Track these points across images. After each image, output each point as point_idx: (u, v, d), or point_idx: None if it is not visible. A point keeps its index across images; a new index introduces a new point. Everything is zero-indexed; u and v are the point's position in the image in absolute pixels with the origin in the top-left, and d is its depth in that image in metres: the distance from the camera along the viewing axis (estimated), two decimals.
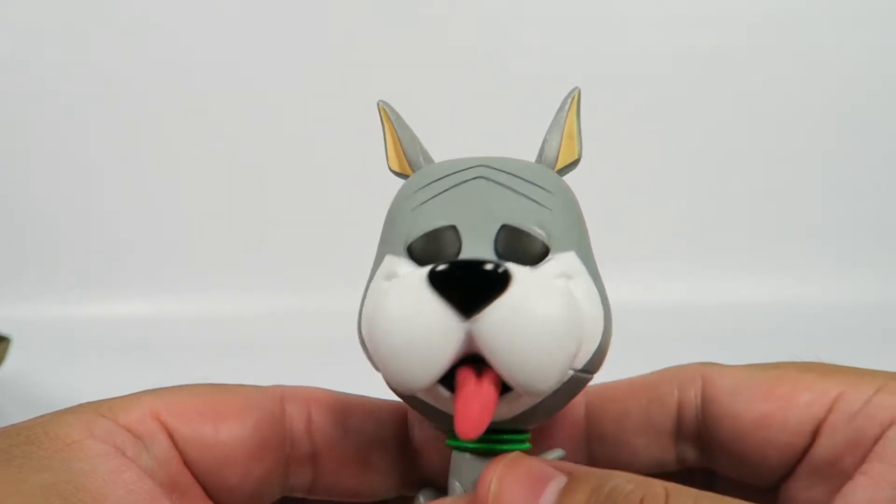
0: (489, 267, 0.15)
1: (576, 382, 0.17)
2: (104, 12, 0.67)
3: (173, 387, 0.19)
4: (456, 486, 0.17)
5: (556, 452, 0.18)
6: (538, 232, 0.16)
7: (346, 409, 0.20)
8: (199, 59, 0.68)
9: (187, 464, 0.18)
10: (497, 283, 0.15)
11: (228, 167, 0.69)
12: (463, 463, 0.18)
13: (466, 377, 0.15)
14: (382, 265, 0.17)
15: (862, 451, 0.17)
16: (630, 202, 0.68)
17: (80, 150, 0.69)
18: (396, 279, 0.16)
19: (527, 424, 0.18)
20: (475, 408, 0.15)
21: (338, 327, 0.64)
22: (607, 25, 0.68)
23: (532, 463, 0.16)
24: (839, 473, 0.17)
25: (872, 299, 0.64)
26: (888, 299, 0.64)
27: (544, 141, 0.19)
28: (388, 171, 0.20)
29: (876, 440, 0.16)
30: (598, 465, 0.20)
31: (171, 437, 0.18)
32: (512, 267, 0.15)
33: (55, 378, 0.52)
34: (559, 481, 0.16)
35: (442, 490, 0.18)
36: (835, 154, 0.70)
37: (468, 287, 0.15)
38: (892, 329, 0.59)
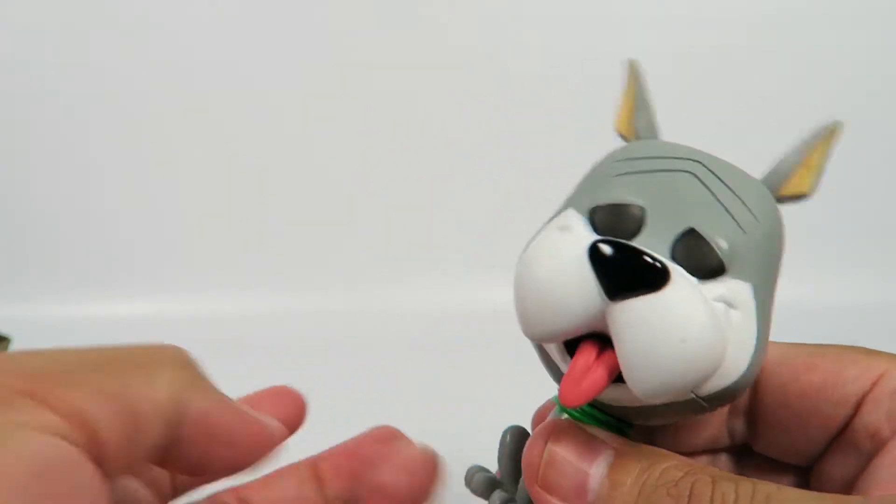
0: (650, 260, 0.14)
1: (693, 406, 0.16)
2: (104, 12, 0.67)
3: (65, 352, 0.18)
4: None
5: None
6: (721, 247, 0.16)
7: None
8: (200, 58, 0.68)
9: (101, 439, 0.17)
10: (651, 280, 0.14)
11: (229, 167, 0.69)
12: (545, 423, 0.18)
13: (586, 351, 0.15)
14: (562, 215, 0.17)
15: None
16: None
17: (80, 151, 0.69)
18: (567, 233, 0.16)
19: (635, 420, 0.18)
20: (582, 384, 0.15)
21: (338, 327, 0.64)
22: (607, 25, 0.68)
23: (584, 433, 0.16)
24: (876, 446, 0.17)
25: (872, 299, 0.64)
26: (888, 299, 0.64)
27: (781, 160, 0.18)
28: (614, 131, 0.19)
29: None
30: (658, 441, 0.21)
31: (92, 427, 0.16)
32: (676, 271, 0.15)
33: None
34: (608, 454, 0.16)
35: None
36: (835, 153, 0.70)
37: (621, 273, 0.14)
38: (893, 329, 0.59)
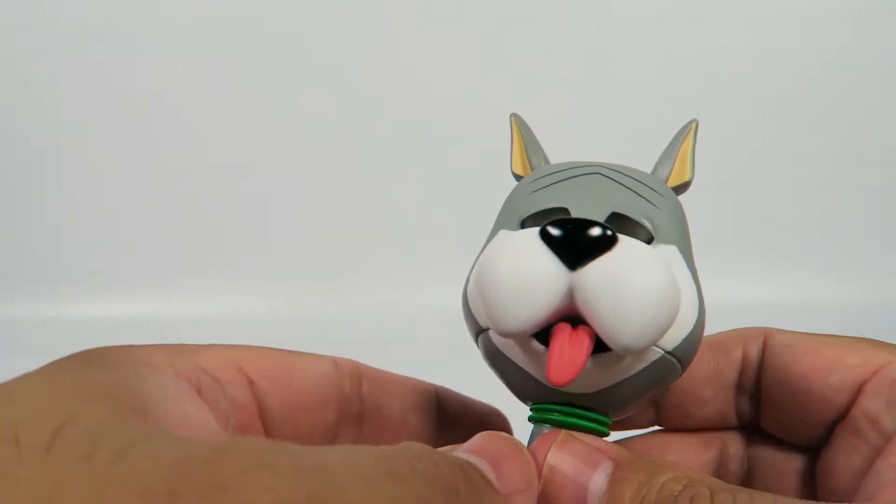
0: (598, 229, 0.16)
1: (664, 366, 0.17)
2: (106, 11, 0.67)
3: (245, 345, 0.20)
4: None
5: None
6: (645, 222, 0.17)
7: (388, 379, 0.21)
8: (200, 60, 0.68)
9: (263, 410, 0.18)
10: (604, 242, 0.16)
11: (231, 171, 0.69)
12: (541, 435, 0.18)
13: (562, 327, 0.16)
14: (496, 237, 0.18)
15: None
16: None
17: (79, 152, 0.69)
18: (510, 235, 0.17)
19: (611, 408, 0.18)
20: (568, 355, 0.16)
21: (338, 328, 0.64)
22: (608, 26, 0.68)
23: (582, 445, 0.17)
24: (878, 435, 0.17)
25: (873, 299, 0.64)
26: (888, 299, 0.64)
27: (658, 163, 0.20)
28: (511, 174, 0.21)
29: None
30: (666, 413, 0.21)
31: (251, 385, 0.18)
32: (620, 234, 0.16)
33: None
34: (606, 466, 0.16)
35: None
36: (835, 154, 0.70)
37: (577, 241, 0.16)
38: (893, 329, 0.59)
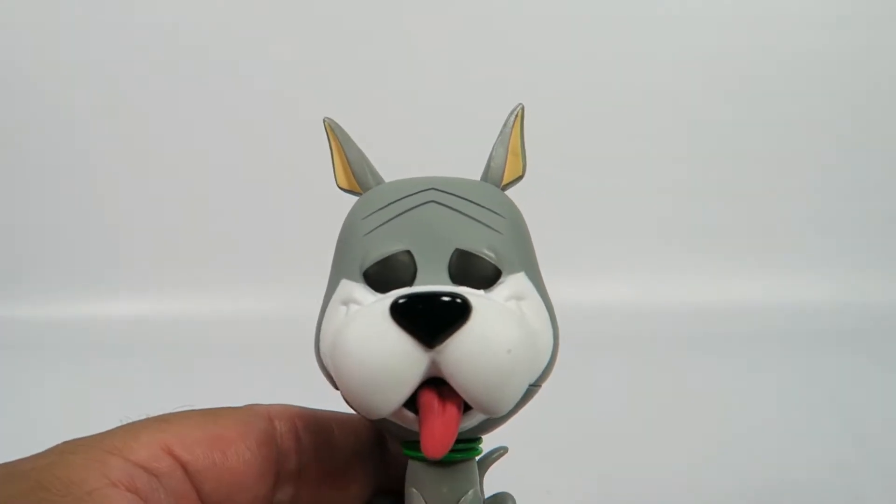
0: (449, 299, 0.15)
1: (527, 395, 0.17)
2: (105, 11, 0.67)
3: (169, 416, 0.19)
4: (413, 492, 0.18)
5: (499, 449, 0.20)
6: (490, 255, 0.17)
7: (327, 425, 0.20)
8: (200, 64, 0.68)
9: (200, 495, 0.18)
10: (458, 315, 0.15)
11: (228, 169, 0.69)
12: (419, 471, 0.18)
13: (430, 400, 0.16)
14: (339, 289, 0.18)
15: None
16: (630, 205, 0.68)
17: (79, 152, 0.69)
18: (358, 309, 0.17)
19: (480, 434, 0.18)
20: (440, 430, 0.16)
21: None
22: (602, 27, 0.68)
23: None
24: None
25: (873, 299, 0.64)
26: (888, 299, 0.64)
27: (490, 157, 0.19)
28: (336, 187, 0.20)
29: None
30: None
31: (185, 470, 0.17)
32: (470, 297, 0.16)
33: (50, 378, 0.52)
34: None
35: (398, 496, 0.19)
36: (834, 155, 0.70)
37: (431, 320, 0.15)
38: (893, 329, 0.59)
